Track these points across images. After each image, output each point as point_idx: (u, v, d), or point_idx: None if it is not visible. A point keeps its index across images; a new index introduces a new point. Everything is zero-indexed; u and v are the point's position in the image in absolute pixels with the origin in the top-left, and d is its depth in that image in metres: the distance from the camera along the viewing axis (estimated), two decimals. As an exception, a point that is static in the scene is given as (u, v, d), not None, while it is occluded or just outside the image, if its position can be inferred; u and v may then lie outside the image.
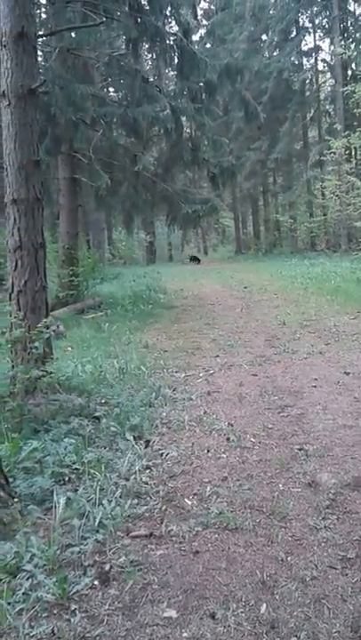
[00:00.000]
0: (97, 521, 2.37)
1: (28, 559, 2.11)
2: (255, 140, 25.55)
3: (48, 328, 4.08)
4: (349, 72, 24.13)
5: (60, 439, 3.22)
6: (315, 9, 24.88)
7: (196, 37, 16.82)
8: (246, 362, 5.37)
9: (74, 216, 10.51)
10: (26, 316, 4.11)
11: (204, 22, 23.19)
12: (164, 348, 6.16)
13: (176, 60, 9.97)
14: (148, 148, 12.65)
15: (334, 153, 19.26)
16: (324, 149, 20.58)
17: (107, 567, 2.11)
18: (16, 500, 2.54)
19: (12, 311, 4.12)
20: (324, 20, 25.14)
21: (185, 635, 1.76)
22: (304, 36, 25.44)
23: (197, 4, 16.87)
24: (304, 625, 1.78)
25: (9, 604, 1.87)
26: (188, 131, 12.22)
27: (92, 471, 2.82)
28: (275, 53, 25.25)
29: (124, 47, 10.92)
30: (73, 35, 9.45)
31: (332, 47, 24.06)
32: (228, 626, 1.78)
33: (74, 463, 2.93)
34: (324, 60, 26.55)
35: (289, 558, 2.15)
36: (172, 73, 15.08)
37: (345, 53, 19.07)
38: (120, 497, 2.61)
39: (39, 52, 7.92)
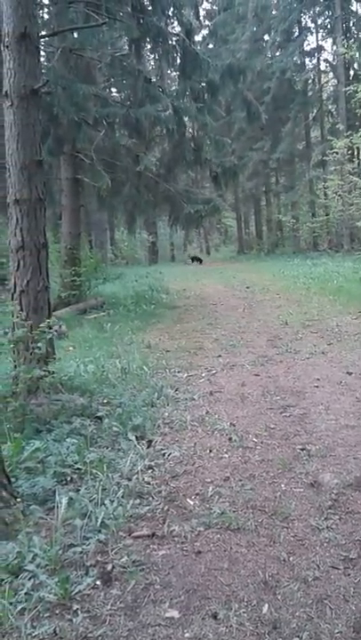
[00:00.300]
0: (99, 521, 2.37)
1: (30, 559, 2.11)
2: (258, 140, 25.52)
3: (50, 328, 4.08)
4: (352, 72, 24.12)
5: (63, 439, 3.23)
6: (317, 9, 24.84)
7: (198, 38, 16.90)
8: (249, 362, 5.36)
9: (76, 216, 10.52)
10: (28, 316, 4.12)
11: (207, 23, 23.30)
12: (167, 348, 6.16)
13: (178, 61, 9.98)
14: (150, 148, 12.63)
15: (337, 153, 19.26)
16: (327, 149, 20.52)
17: (109, 567, 2.11)
18: (18, 499, 2.54)
19: (15, 311, 4.13)
20: (327, 20, 25.10)
21: (187, 635, 1.76)
22: (306, 36, 25.42)
23: (200, 4, 16.95)
24: (306, 625, 1.78)
25: (11, 604, 1.88)
26: (191, 131, 12.20)
27: (94, 471, 2.82)
28: (277, 53, 25.20)
29: (126, 47, 10.97)
30: (75, 35, 9.44)
31: (334, 47, 24.09)
32: (230, 626, 1.78)
33: (76, 463, 2.94)
34: (326, 60, 26.54)
35: (291, 558, 2.14)
36: (174, 73, 15.05)
37: (347, 53, 19.06)
38: (122, 497, 2.61)
39: (42, 53, 7.96)
